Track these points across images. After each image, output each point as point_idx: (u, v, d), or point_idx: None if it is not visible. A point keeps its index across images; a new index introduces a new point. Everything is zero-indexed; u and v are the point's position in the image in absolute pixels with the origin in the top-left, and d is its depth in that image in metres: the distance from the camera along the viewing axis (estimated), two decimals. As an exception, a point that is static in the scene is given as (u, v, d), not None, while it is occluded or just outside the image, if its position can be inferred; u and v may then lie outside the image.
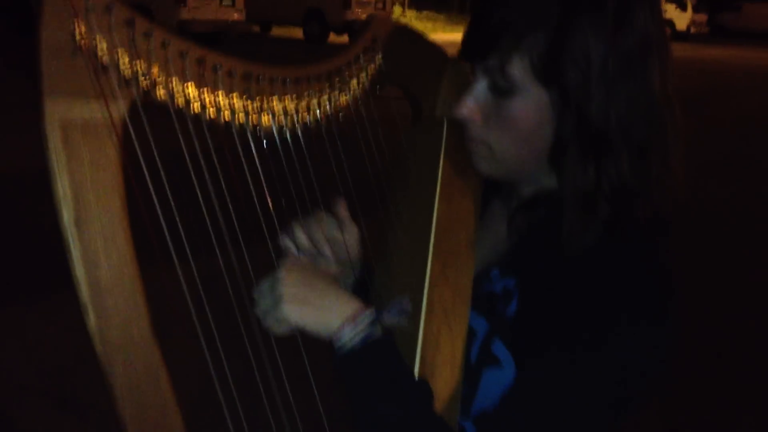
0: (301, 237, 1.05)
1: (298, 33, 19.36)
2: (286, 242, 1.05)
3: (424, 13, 26.73)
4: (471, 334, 0.98)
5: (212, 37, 14.29)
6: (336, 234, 1.06)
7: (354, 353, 0.88)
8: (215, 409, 0.95)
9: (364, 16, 13.17)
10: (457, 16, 27.34)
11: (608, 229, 0.89)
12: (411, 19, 24.41)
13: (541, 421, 0.89)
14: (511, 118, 0.90)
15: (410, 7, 26.23)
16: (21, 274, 4.13)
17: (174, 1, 14.46)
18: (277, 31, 20.54)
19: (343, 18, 18.07)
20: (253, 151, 0.93)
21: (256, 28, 19.21)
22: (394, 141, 1.06)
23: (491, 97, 0.91)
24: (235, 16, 16.06)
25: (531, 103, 0.88)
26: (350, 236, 1.09)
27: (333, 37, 18.74)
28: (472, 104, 0.92)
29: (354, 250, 1.10)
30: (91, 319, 0.87)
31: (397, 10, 22.61)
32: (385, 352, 0.90)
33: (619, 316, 0.86)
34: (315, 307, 0.89)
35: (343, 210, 1.07)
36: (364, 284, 1.11)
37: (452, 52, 1.00)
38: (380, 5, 19.47)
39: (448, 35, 18.91)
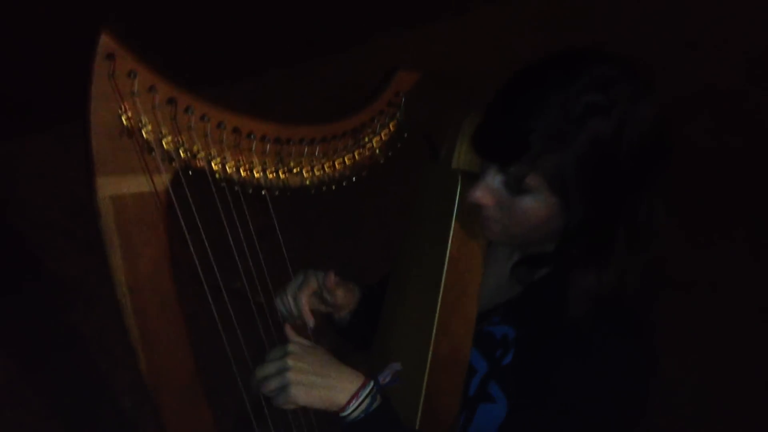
0: (290, 302, 1.18)
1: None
2: (279, 306, 1.19)
3: None
4: (471, 370, 1.08)
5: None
6: (325, 294, 1.19)
7: (359, 422, 0.98)
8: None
9: None
10: None
11: (601, 303, 0.98)
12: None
13: None
14: (522, 211, 0.97)
15: None
16: (34, 100, 3.90)
17: None
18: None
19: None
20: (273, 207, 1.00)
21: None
22: (412, 186, 1.13)
23: (505, 190, 0.98)
24: None
25: (541, 203, 0.95)
26: (338, 296, 1.21)
27: None
28: (485, 191, 0.99)
29: (340, 305, 1.23)
30: (142, 363, 0.98)
31: None
32: (386, 418, 1.00)
33: (603, 386, 0.96)
34: (321, 388, 0.98)
35: (330, 282, 1.18)
36: (359, 314, 1.25)
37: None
38: None
39: None
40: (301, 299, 1.17)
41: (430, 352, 1.05)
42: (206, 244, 0.94)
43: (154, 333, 0.96)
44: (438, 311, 1.05)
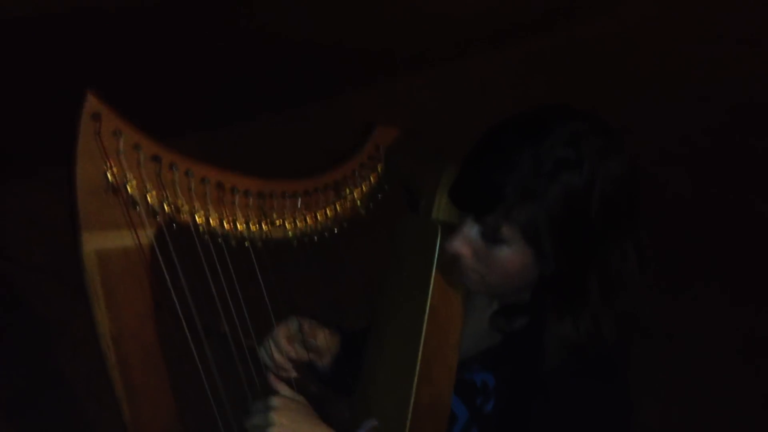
0: (272, 349, 1.21)
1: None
2: (262, 354, 1.21)
3: None
4: (452, 417, 1.10)
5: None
6: (304, 341, 1.22)
7: None
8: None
9: None
10: None
11: (579, 348, 1.00)
12: None
13: None
14: (498, 261, 1.00)
15: None
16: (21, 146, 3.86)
17: None
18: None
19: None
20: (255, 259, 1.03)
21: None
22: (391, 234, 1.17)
23: (481, 240, 1.00)
24: None
25: (517, 253, 0.98)
26: (318, 341, 1.24)
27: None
28: (463, 242, 1.01)
29: (321, 350, 1.25)
30: (126, 414, 0.99)
31: None
32: None
33: (582, 425, 0.98)
34: None
35: (310, 328, 1.22)
36: (340, 359, 1.27)
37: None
38: None
39: None
40: (282, 345, 1.19)
41: (412, 401, 1.06)
42: (188, 294, 0.96)
43: (138, 385, 0.97)
44: (419, 360, 1.07)
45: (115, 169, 0.90)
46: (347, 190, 1.09)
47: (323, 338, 1.24)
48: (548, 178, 0.92)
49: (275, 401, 1.01)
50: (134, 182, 0.91)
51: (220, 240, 0.99)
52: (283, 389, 1.05)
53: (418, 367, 1.06)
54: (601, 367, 1.00)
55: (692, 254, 3.69)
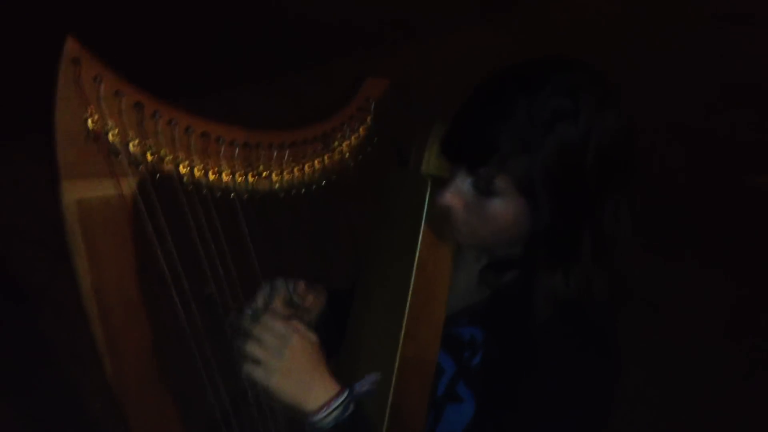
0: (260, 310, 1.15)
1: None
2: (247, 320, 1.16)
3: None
4: (439, 370, 1.09)
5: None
6: (295, 305, 1.17)
7: (328, 430, 0.98)
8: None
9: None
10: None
11: (568, 307, 0.99)
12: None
13: None
14: (490, 213, 0.98)
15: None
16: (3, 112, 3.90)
17: None
18: None
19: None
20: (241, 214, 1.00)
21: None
22: (380, 190, 1.14)
23: (473, 192, 0.98)
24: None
25: (510, 205, 0.96)
26: (308, 301, 1.19)
27: None
28: (455, 193, 0.99)
29: (311, 309, 1.21)
30: (108, 369, 0.97)
31: None
32: (355, 427, 1.00)
33: (568, 389, 0.97)
34: (298, 388, 0.98)
35: (301, 289, 1.18)
36: (328, 316, 1.24)
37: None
38: None
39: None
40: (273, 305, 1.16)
41: (398, 356, 1.05)
42: (172, 247, 0.93)
43: (120, 338, 0.95)
44: (406, 315, 1.05)
45: (95, 116, 0.87)
46: (336, 143, 1.06)
47: (312, 297, 1.22)
48: (544, 129, 0.89)
49: (296, 339, 0.99)
50: (116, 130, 0.88)
51: (204, 191, 0.97)
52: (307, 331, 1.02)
53: (404, 323, 1.05)
54: (590, 327, 0.99)
55: (682, 227, 3.71)
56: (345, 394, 1.00)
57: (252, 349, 0.99)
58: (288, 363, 0.98)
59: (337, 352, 1.16)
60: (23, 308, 2.96)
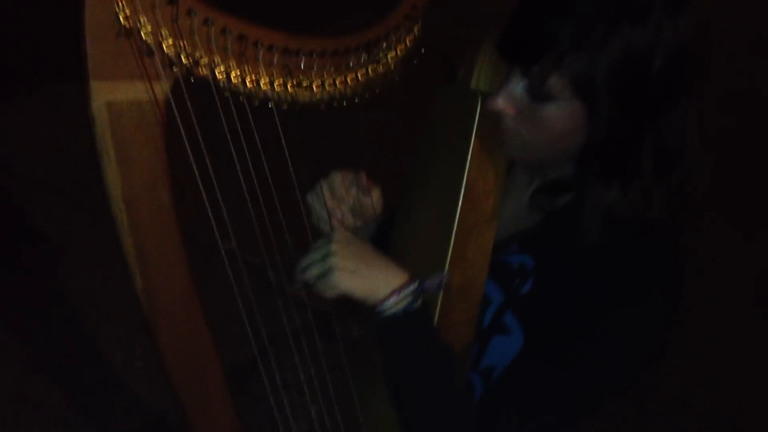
0: (326, 194, 1.12)
1: None
2: (312, 200, 1.13)
3: None
4: (485, 300, 1.04)
5: None
6: (358, 193, 1.13)
7: (395, 319, 0.95)
8: (251, 363, 1.03)
9: None
10: None
11: (623, 228, 0.93)
12: None
13: (544, 392, 0.97)
14: (544, 120, 0.91)
15: None
16: (27, 62, 3.81)
17: None
18: None
19: None
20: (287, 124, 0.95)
21: None
22: (426, 109, 1.07)
23: (527, 97, 0.91)
24: None
25: (565, 111, 0.89)
26: (372, 198, 1.14)
27: None
28: (507, 99, 0.93)
29: (373, 210, 1.16)
30: (138, 282, 0.93)
31: None
32: (423, 320, 0.97)
33: (624, 313, 0.92)
34: (364, 277, 0.95)
35: (363, 180, 1.12)
36: (383, 234, 1.19)
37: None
38: None
39: None
40: (338, 190, 1.12)
41: (447, 267, 1.00)
42: (208, 160, 0.88)
43: (151, 250, 0.90)
44: (453, 239, 1.00)
45: (127, 11, 0.81)
46: (381, 53, 0.99)
47: (377, 197, 1.16)
48: (608, 26, 0.82)
49: (337, 235, 0.96)
50: (148, 27, 0.82)
51: (241, 98, 0.91)
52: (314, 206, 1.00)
53: (451, 246, 0.99)
54: (650, 252, 0.93)
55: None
56: (415, 283, 0.96)
57: (308, 273, 0.96)
58: (340, 258, 0.94)
59: None
60: (41, 258, 2.94)
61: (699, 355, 2.76)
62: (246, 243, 0.95)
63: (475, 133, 0.99)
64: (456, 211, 1.00)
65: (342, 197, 1.14)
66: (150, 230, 0.90)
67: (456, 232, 1.00)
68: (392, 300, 0.95)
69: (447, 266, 0.99)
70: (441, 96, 1.07)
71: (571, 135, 0.92)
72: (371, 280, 0.95)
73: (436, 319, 1.00)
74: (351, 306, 1.01)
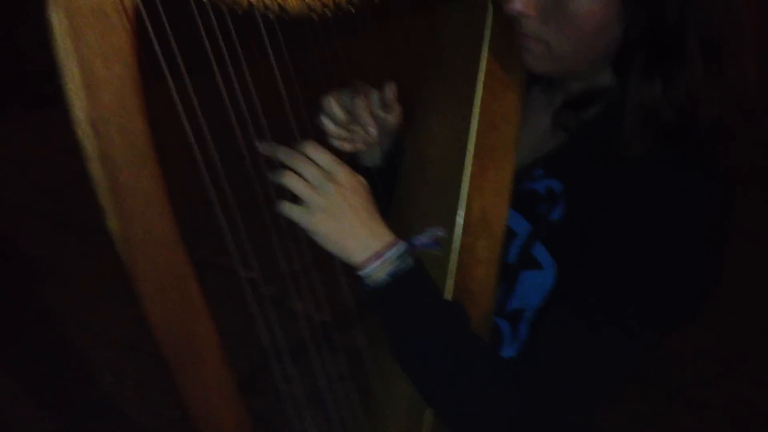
0: (337, 109, 0.98)
1: None
2: (323, 119, 1.00)
3: None
4: (510, 233, 0.93)
5: None
6: (377, 110, 0.98)
7: (382, 288, 0.84)
8: (246, 313, 0.92)
9: None
10: None
11: (666, 135, 0.82)
12: None
13: (583, 331, 0.85)
14: (574, 15, 0.80)
15: None
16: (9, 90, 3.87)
17: None
18: None
19: None
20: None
21: None
22: (431, 28, 0.96)
23: None
24: None
25: (596, 2, 0.79)
26: (392, 116, 1.01)
27: None
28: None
29: (393, 127, 1.03)
30: (113, 222, 0.82)
31: None
32: (417, 284, 0.86)
33: (670, 232, 0.81)
34: (344, 232, 0.84)
35: (390, 92, 0.97)
36: (393, 157, 1.07)
37: None
38: None
39: None
40: (355, 102, 0.95)
41: (461, 217, 0.89)
42: (186, 74, 0.77)
43: (125, 183, 0.78)
44: (469, 167, 0.89)
45: None
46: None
47: (398, 115, 1.02)
48: None
49: (343, 175, 0.83)
50: None
51: (224, 8, 0.80)
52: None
53: (468, 175, 0.88)
54: (698, 162, 0.81)
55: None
56: (401, 246, 0.85)
57: (291, 182, 0.83)
58: (333, 201, 0.82)
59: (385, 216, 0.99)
60: (28, 282, 2.92)
61: (724, 349, 2.68)
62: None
63: (488, 48, 0.88)
64: (471, 138, 0.89)
65: (356, 108, 0.96)
66: (122, 160, 0.78)
67: (472, 159, 0.89)
68: (374, 265, 0.84)
69: (464, 198, 0.88)
70: (448, 11, 0.96)
71: (606, 30, 0.81)
72: (349, 240, 0.84)
73: (455, 256, 0.89)
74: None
